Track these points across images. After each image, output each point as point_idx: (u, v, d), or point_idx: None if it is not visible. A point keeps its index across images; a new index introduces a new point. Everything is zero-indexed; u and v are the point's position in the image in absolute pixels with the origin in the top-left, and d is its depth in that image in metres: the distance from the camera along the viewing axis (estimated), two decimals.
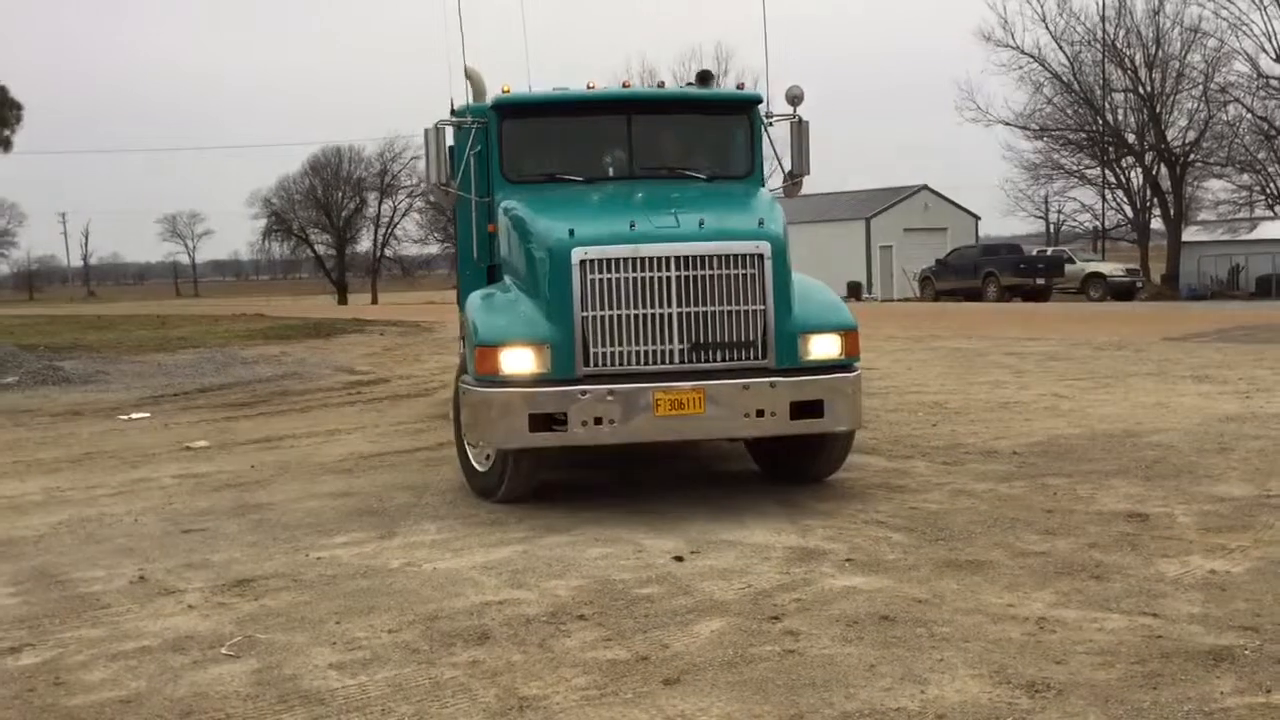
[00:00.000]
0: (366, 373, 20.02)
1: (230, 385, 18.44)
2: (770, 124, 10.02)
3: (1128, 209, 52.44)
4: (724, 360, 7.86)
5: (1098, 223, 56.00)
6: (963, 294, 45.59)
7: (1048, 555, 6.65)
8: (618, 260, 7.80)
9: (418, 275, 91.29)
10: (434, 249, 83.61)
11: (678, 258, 7.81)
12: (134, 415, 14.70)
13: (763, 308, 7.86)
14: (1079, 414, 11.94)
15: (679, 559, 6.80)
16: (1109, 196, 53.09)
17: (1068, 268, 45.67)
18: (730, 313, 7.85)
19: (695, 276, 7.82)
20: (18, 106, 29.74)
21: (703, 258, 7.83)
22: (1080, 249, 55.66)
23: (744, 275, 7.86)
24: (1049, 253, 49.98)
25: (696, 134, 10.08)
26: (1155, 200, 50.07)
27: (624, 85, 10.17)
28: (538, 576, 6.54)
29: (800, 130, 9.72)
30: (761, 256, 7.89)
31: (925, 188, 58.57)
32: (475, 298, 8.80)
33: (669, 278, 7.80)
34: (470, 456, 8.75)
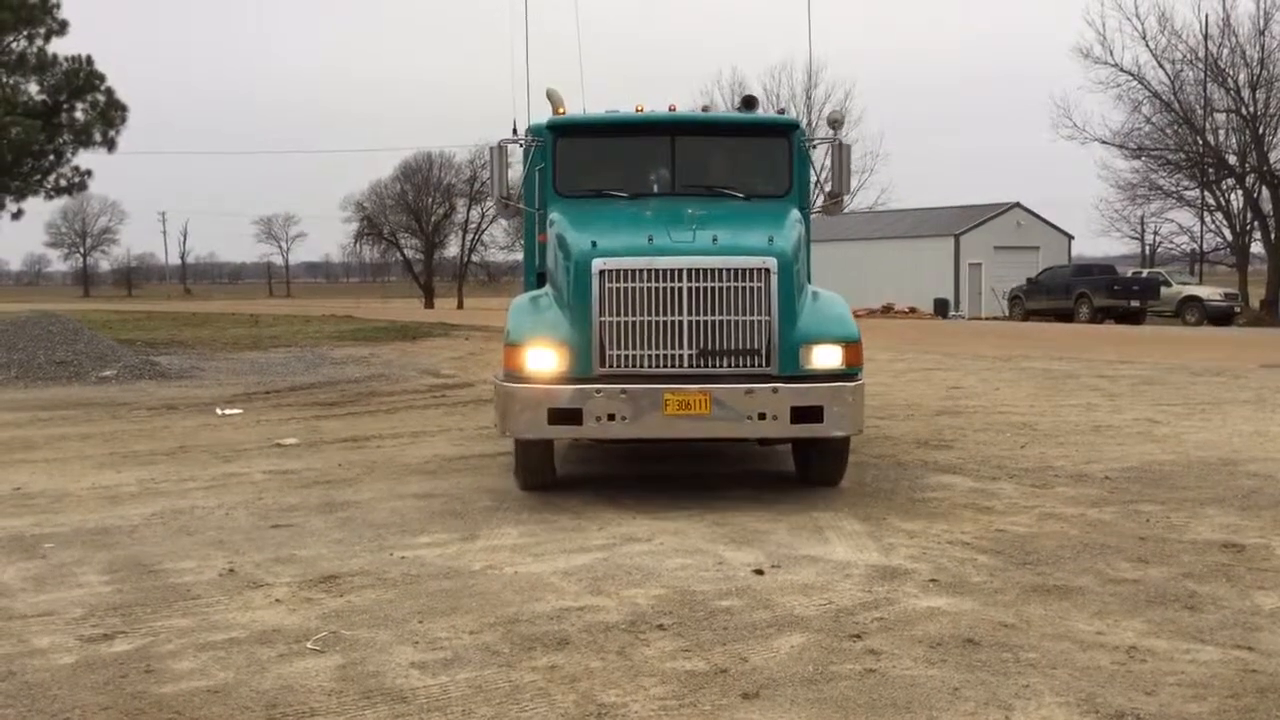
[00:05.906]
0: (451, 376, 20.27)
1: (320, 384, 18.80)
2: (814, 147, 10.63)
3: (1227, 232, 51.05)
4: (730, 366, 8.29)
5: (1195, 245, 54.55)
6: (1054, 314, 44.81)
7: (1139, 583, 6.49)
8: (634, 271, 8.29)
9: (503, 281, 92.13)
10: (519, 255, 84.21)
11: (690, 270, 8.26)
12: (227, 411, 15.04)
13: (768, 318, 8.26)
14: (1174, 440, 11.65)
15: (759, 572, 6.76)
16: (1208, 219, 51.75)
17: (1163, 290, 44.57)
18: (737, 322, 8.28)
19: (706, 288, 8.25)
20: (123, 108, 30.68)
21: (713, 270, 8.26)
22: (1177, 272, 54.26)
23: (751, 288, 8.27)
24: (1144, 274, 48.75)
25: (736, 155, 10.43)
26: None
27: (670, 109, 10.50)
28: (618, 584, 6.54)
29: (840, 152, 10.17)
30: (768, 271, 8.28)
31: (1017, 205, 57.44)
32: (517, 301, 9.32)
33: (681, 289, 8.24)
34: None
